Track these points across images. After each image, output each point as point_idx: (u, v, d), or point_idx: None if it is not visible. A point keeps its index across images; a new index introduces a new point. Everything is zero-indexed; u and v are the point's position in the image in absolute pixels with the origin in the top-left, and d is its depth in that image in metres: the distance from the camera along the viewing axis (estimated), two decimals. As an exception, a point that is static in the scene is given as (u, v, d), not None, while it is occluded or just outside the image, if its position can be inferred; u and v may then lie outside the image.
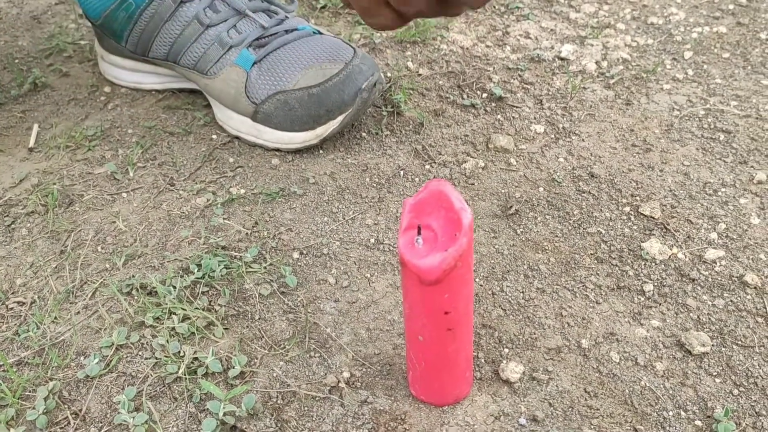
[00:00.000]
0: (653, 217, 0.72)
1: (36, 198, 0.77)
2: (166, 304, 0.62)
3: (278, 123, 0.80)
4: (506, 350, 0.60)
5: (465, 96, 0.89)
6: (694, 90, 0.89)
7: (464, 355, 0.54)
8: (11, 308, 0.65)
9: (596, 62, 0.94)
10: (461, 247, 0.47)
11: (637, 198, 0.74)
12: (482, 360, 0.60)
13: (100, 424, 0.55)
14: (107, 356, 0.59)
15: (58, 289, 0.66)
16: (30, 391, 0.57)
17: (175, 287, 0.64)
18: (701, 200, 0.74)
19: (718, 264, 0.67)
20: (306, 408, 0.56)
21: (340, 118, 0.79)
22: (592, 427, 0.54)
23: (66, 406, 0.56)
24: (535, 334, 0.62)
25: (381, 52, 0.98)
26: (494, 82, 0.91)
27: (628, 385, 0.57)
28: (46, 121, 0.90)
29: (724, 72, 0.93)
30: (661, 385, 0.57)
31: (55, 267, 0.69)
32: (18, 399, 0.56)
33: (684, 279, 0.66)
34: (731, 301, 0.63)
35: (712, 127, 0.83)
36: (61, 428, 0.54)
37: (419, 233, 0.49)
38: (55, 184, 0.79)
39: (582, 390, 0.57)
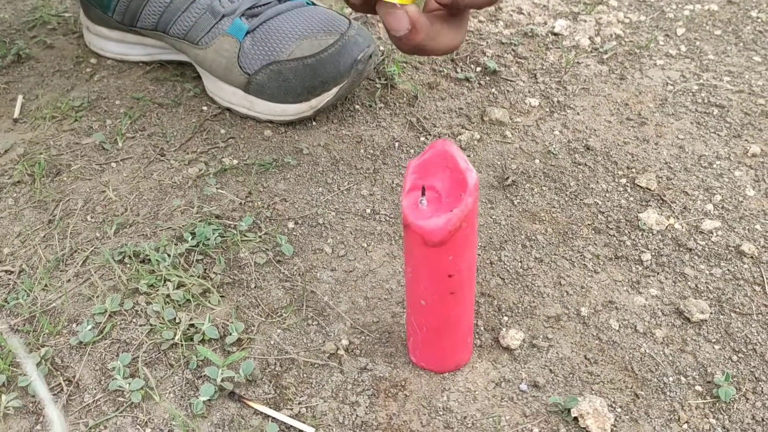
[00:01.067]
0: (649, 189, 0.71)
1: (22, 168, 0.75)
2: (161, 271, 0.61)
3: (271, 94, 0.79)
4: (506, 318, 0.60)
5: (459, 69, 0.88)
6: (687, 66, 0.89)
7: (466, 321, 0.54)
8: (-1, 276, 0.63)
9: (589, 38, 0.94)
10: (467, 207, 0.46)
11: (633, 170, 0.74)
12: (482, 328, 0.59)
13: (95, 391, 0.53)
14: (100, 323, 0.58)
15: (47, 258, 0.65)
16: (21, 358, 0.55)
17: (169, 255, 0.62)
18: (696, 172, 0.74)
19: (715, 234, 0.67)
20: (305, 375, 0.55)
21: (334, 90, 0.78)
22: (593, 392, 0.54)
23: (59, 372, 0.55)
24: (534, 302, 0.61)
25: (373, 26, 0.97)
26: (488, 56, 0.90)
27: (628, 351, 0.57)
28: (30, 93, 0.88)
29: (717, 48, 0.93)
30: (661, 352, 0.57)
31: (44, 236, 0.67)
32: (9, 366, 0.55)
33: (681, 249, 0.65)
34: (728, 270, 0.64)
35: (705, 101, 0.83)
36: (54, 394, 0.53)
37: (423, 194, 0.48)
38: (41, 154, 0.77)
39: (582, 357, 0.57)
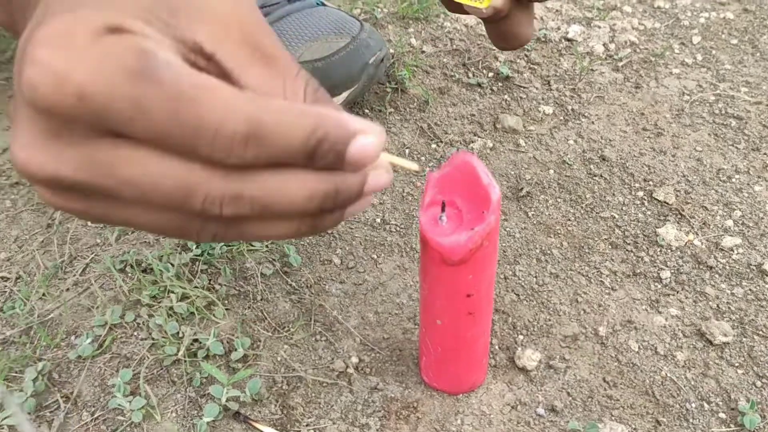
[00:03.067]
0: (667, 203, 0.69)
1: (20, 169, 0.72)
2: (164, 281, 0.59)
3: (278, 96, 0.76)
4: (521, 337, 0.58)
5: (471, 75, 0.86)
6: (703, 75, 0.87)
7: (482, 341, 0.52)
8: (-5, 284, 0.61)
9: (604, 44, 0.92)
10: (489, 225, 0.44)
11: (650, 183, 0.72)
12: (496, 347, 0.57)
13: (93, 408, 0.51)
14: (100, 336, 0.56)
15: (45, 265, 0.62)
16: (17, 372, 0.53)
17: (172, 264, 0.60)
18: (715, 186, 0.71)
19: (736, 252, 0.65)
20: (313, 394, 0.53)
21: (345, 95, 0.75)
22: (613, 418, 0.52)
23: (56, 388, 0.52)
24: (550, 320, 0.59)
25: (383, 28, 0.94)
26: (500, 62, 0.88)
27: (648, 375, 0.55)
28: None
29: (733, 58, 0.91)
30: (683, 376, 0.55)
31: (42, 241, 0.65)
32: (4, 381, 0.52)
33: (701, 266, 0.63)
34: (750, 290, 0.61)
35: (723, 112, 0.81)
36: (51, 412, 0.51)
37: (443, 210, 0.46)
38: (40, 154, 0.75)
39: (601, 379, 0.55)
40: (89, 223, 0.66)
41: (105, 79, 0.24)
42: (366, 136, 0.28)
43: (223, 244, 0.62)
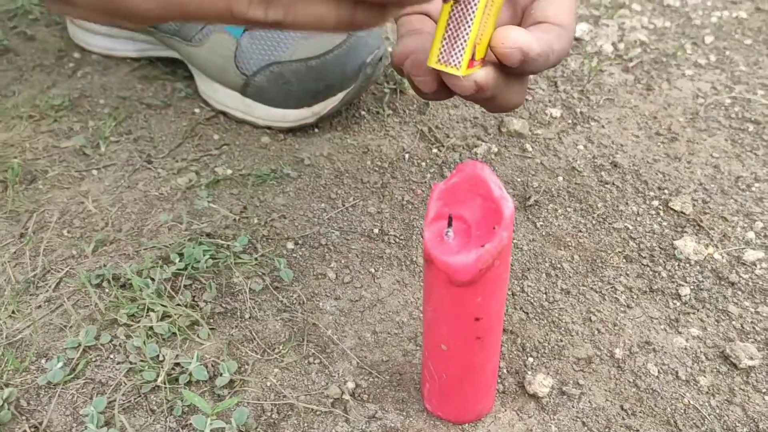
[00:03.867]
0: (684, 213, 0.65)
1: (-6, 173, 0.68)
2: (143, 299, 0.54)
3: (271, 98, 0.72)
4: (531, 359, 0.53)
5: (473, 75, 0.82)
6: (717, 77, 0.83)
7: (490, 367, 0.47)
8: (-39, 299, 0.56)
9: (613, 44, 0.88)
10: (501, 242, 0.40)
11: (666, 191, 0.67)
12: (505, 371, 0.53)
13: (64, 441, 0.46)
14: (73, 359, 0.51)
15: (16, 278, 0.57)
16: (-20, 400, 0.48)
17: (153, 279, 0.55)
18: (734, 196, 0.67)
19: (759, 266, 0.60)
20: (306, 424, 0.48)
21: (340, 96, 0.71)
22: (633, 450, 0.48)
23: (24, 417, 0.48)
24: (562, 341, 0.55)
25: (380, 27, 0.90)
26: (504, 62, 0.83)
27: (669, 402, 0.51)
28: (7, 89, 0.81)
29: (748, 59, 0.87)
30: (707, 403, 0.51)
31: (14, 252, 0.60)
32: (-34, 408, 0.48)
33: (723, 282, 0.59)
34: (776, 308, 0.57)
35: (740, 117, 0.77)
36: (16, 445, 0.46)
37: (450, 224, 0.41)
38: (15, 157, 0.70)
39: (618, 407, 0.50)
40: (65, 233, 0.62)
41: None
42: None
43: (207, 256, 0.58)
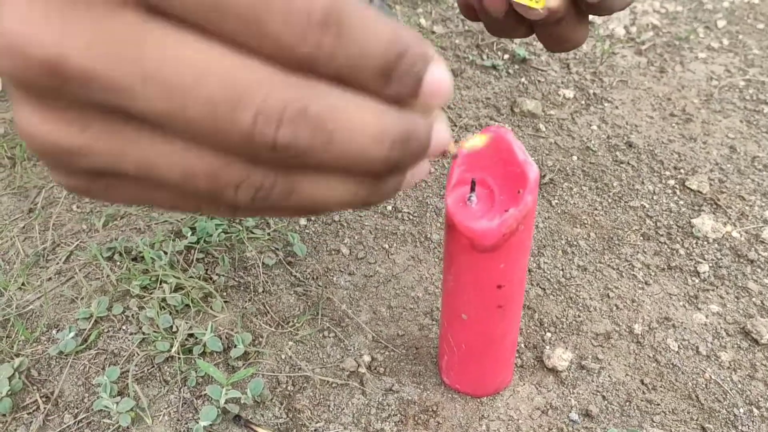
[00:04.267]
0: (701, 192, 0.64)
1: (1, 150, 0.67)
2: (155, 271, 0.53)
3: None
4: (549, 334, 0.53)
5: (485, 56, 0.81)
6: (731, 60, 0.82)
7: (511, 338, 0.46)
8: (-30, 272, 0.55)
9: (625, 27, 0.87)
10: (525, 206, 0.39)
11: (681, 171, 0.67)
12: (522, 345, 0.52)
13: (76, 410, 0.46)
14: (85, 330, 0.50)
15: (25, 252, 0.57)
16: (-9, 369, 0.48)
17: (165, 252, 0.55)
18: (751, 175, 0.66)
19: (777, 245, 0.60)
20: (322, 396, 0.47)
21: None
22: (655, 424, 0.47)
23: (35, 387, 0.47)
24: (580, 317, 0.54)
25: (390, 8, 0.89)
26: (516, 44, 0.83)
27: (690, 377, 0.50)
28: (14, 68, 0.80)
29: (761, 43, 0.86)
30: (728, 378, 0.50)
31: (23, 227, 0.59)
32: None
33: (741, 260, 0.58)
34: (796, 285, 0.56)
35: (754, 98, 0.76)
36: (29, 413, 0.45)
37: (473, 189, 0.41)
38: (23, 135, 0.69)
39: (638, 381, 0.50)
40: (74, 208, 0.61)
41: None
42: (441, 66, 0.22)
43: (220, 230, 0.57)
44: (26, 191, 0.63)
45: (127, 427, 0.44)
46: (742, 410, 0.48)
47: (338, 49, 0.19)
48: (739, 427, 0.47)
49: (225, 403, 0.45)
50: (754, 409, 0.48)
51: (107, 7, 0.18)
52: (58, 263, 0.55)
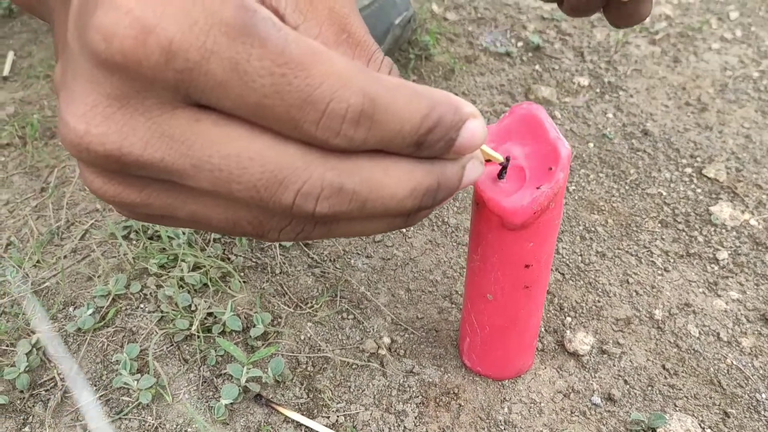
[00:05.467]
0: (718, 180, 0.64)
1: (12, 129, 0.66)
2: (173, 249, 0.52)
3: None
4: (569, 319, 0.52)
5: (498, 43, 0.80)
6: (744, 51, 0.82)
7: (535, 321, 0.46)
8: (-17, 249, 0.54)
9: (638, 17, 0.86)
10: (557, 184, 0.38)
11: (698, 159, 0.66)
12: (543, 329, 0.51)
13: (95, 387, 0.45)
14: (102, 307, 0.49)
15: (39, 230, 0.56)
16: (8, 345, 0.47)
17: (183, 231, 0.54)
18: (767, 165, 0.66)
19: (795, 233, 0.59)
20: (342, 377, 0.47)
21: (367, 56, 0.69)
22: (677, 408, 0.47)
23: (52, 364, 0.46)
24: (600, 302, 0.53)
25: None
26: (530, 31, 0.82)
27: (712, 362, 0.50)
28: (22, 49, 0.79)
29: (774, 35, 0.86)
30: (750, 364, 0.50)
31: (36, 206, 0.59)
32: (-8, 354, 0.46)
33: (760, 247, 0.58)
34: (815, 273, 0.56)
35: (768, 89, 0.76)
36: (46, 390, 0.45)
37: (504, 167, 0.40)
38: (34, 114, 0.68)
39: (660, 366, 0.49)
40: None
41: (198, 33, 0.19)
42: (475, 120, 0.24)
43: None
44: (38, 171, 0.62)
45: (147, 405, 0.44)
46: (764, 395, 0.48)
47: (371, 137, 0.22)
48: (762, 412, 0.47)
49: (246, 382, 0.44)
50: (777, 395, 0.48)
51: (162, 108, 0.20)
52: (73, 241, 0.55)
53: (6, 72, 0.76)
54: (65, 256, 0.53)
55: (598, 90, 0.75)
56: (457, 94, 0.72)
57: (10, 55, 0.78)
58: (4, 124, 0.67)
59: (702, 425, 0.46)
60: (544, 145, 0.40)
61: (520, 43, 0.81)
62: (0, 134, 0.66)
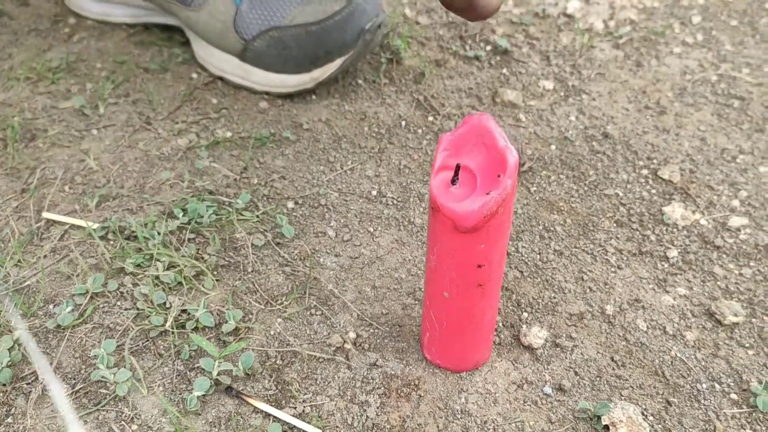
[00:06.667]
0: (672, 182, 0.67)
1: (-7, 131, 0.68)
2: (149, 249, 0.55)
3: (270, 63, 0.73)
4: (525, 314, 0.55)
5: (468, 47, 0.83)
6: (704, 55, 0.85)
7: (490, 316, 0.49)
8: (-34, 249, 0.57)
9: (603, 21, 0.90)
10: (505, 190, 0.41)
11: (654, 161, 0.70)
12: (500, 324, 0.54)
13: (74, 380, 0.48)
14: (81, 305, 0.52)
15: (20, 231, 0.58)
16: (-10, 342, 0.49)
17: (158, 232, 0.56)
18: (720, 166, 0.69)
19: (743, 232, 0.63)
20: (309, 370, 0.50)
21: (339, 61, 0.72)
22: (623, 398, 0.50)
23: (33, 359, 0.49)
24: (555, 298, 0.57)
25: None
26: (498, 35, 0.85)
27: (657, 354, 0.53)
28: (3, 51, 0.81)
29: (733, 39, 0.89)
30: (693, 356, 0.53)
31: (16, 207, 0.61)
32: (-25, 350, 0.49)
33: (708, 246, 0.61)
34: (758, 270, 0.60)
35: (725, 93, 0.79)
36: (28, 383, 0.47)
37: (456, 174, 0.43)
38: (15, 117, 0.70)
39: (609, 359, 0.52)
40: (67, 189, 0.62)
41: None
42: None
43: (211, 212, 0.59)
44: (18, 172, 0.64)
45: (124, 397, 0.47)
46: (704, 386, 0.51)
47: None
48: (702, 401, 0.50)
49: (217, 375, 0.47)
50: (716, 385, 0.51)
51: None
52: (52, 241, 0.57)
53: (-13, 74, 0.77)
54: (45, 256, 0.56)
55: (562, 93, 0.78)
56: (426, 97, 0.75)
57: (-9, 57, 0.79)
58: (-15, 126, 0.69)
59: (645, 413, 0.49)
60: (493, 153, 0.43)
61: (488, 47, 0.83)
62: (-18, 136, 0.68)
